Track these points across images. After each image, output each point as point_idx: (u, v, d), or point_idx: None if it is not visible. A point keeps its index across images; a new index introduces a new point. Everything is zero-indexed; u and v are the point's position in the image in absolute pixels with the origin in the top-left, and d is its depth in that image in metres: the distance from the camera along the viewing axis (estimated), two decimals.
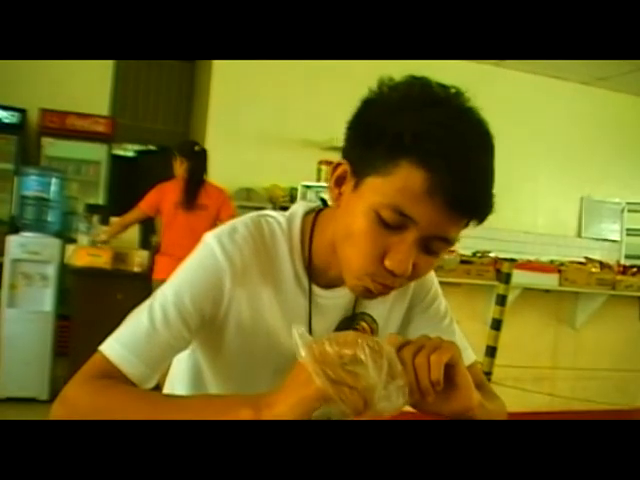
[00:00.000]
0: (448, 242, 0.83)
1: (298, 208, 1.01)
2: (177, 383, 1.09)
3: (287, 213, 1.00)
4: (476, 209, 0.82)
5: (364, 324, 1.05)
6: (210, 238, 0.93)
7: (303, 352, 0.69)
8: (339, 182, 0.89)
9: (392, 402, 0.70)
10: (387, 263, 0.82)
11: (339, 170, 0.88)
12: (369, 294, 0.88)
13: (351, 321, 1.03)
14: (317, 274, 0.98)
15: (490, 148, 0.83)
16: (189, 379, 1.07)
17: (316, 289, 0.98)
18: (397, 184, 0.79)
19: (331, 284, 0.99)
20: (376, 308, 1.05)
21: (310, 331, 0.97)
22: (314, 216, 0.99)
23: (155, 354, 0.87)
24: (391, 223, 0.80)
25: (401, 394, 0.71)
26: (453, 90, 0.84)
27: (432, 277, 1.09)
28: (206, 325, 0.92)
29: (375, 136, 0.81)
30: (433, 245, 0.83)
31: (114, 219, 4.49)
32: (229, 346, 0.97)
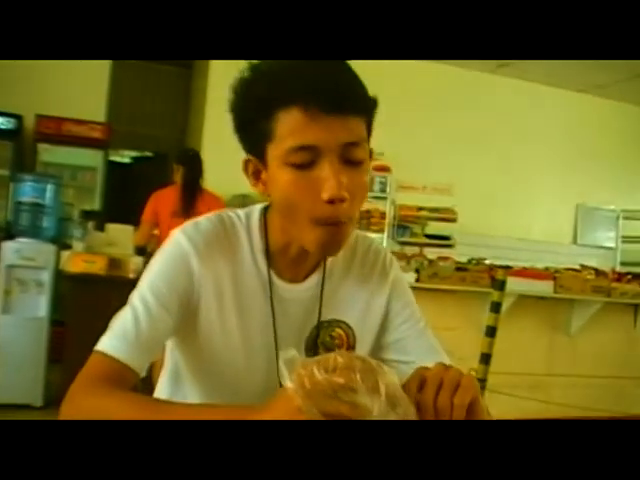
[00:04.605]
0: (359, 144, 0.88)
1: (257, 205, 1.06)
2: (160, 382, 1.13)
3: (246, 209, 1.06)
4: (354, 99, 0.88)
5: (340, 331, 1.04)
6: (174, 232, 1.00)
7: (290, 382, 0.66)
8: (256, 176, 0.96)
9: None
10: (324, 196, 0.86)
11: (250, 166, 0.97)
12: (330, 241, 0.90)
13: (325, 328, 1.03)
14: (277, 261, 1.01)
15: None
16: (169, 376, 1.11)
17: (276, 280, 1.01)
18: (286, 131, 0.86)
19: (293, 279, 1.02)
20: (350, 308, 1.06)
21: (274, 326, 1.00)
22: (264, 210, 1.05)
23: (145, 339, 0.92)
24: (304, 162, 0.87)
25: None
26: None
27: (407, 286, 1.13)
28: (183, 309, 0.96)
29: (247, 117, 0.91)
30: (351, 155, 0.88)
31: (109, 225, 4.49)
32: (196, 341, 1.00)
